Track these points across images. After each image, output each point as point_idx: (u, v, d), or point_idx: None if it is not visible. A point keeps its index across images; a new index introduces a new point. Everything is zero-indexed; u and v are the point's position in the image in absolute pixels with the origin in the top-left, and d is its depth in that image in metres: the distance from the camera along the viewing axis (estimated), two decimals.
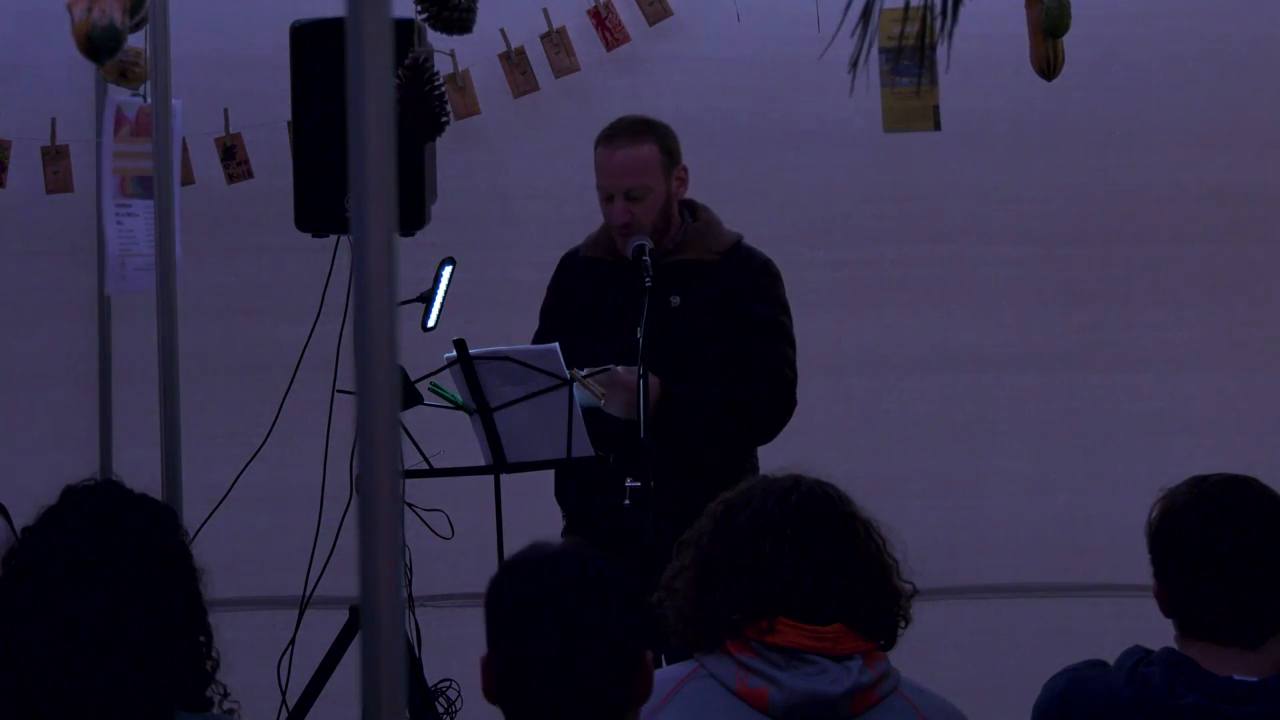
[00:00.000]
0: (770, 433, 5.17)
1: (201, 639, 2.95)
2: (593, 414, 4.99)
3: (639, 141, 5.15)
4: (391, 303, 2.08)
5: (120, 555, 2.86)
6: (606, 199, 5.16)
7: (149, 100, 5.75)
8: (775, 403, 5.14)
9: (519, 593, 2.73)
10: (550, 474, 5.27)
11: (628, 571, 2.79)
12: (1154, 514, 3.21)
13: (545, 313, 5.36)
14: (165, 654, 2.87)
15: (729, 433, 5.10)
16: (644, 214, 5.12)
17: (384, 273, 2.07)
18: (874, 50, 2.98)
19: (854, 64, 2.97)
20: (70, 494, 2.97)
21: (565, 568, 2.74)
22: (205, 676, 2.96)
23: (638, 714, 2.76)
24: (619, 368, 4.98)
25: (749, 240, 5.28)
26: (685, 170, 5.23)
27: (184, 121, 5.75)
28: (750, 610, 2.99)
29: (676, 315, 5.10)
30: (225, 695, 3.00)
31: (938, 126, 5.44)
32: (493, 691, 2.73)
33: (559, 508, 5.32)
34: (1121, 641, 3.24)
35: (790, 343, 5.19)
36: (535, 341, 5.23)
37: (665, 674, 3.07)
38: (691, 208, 5.28)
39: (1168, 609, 3.20)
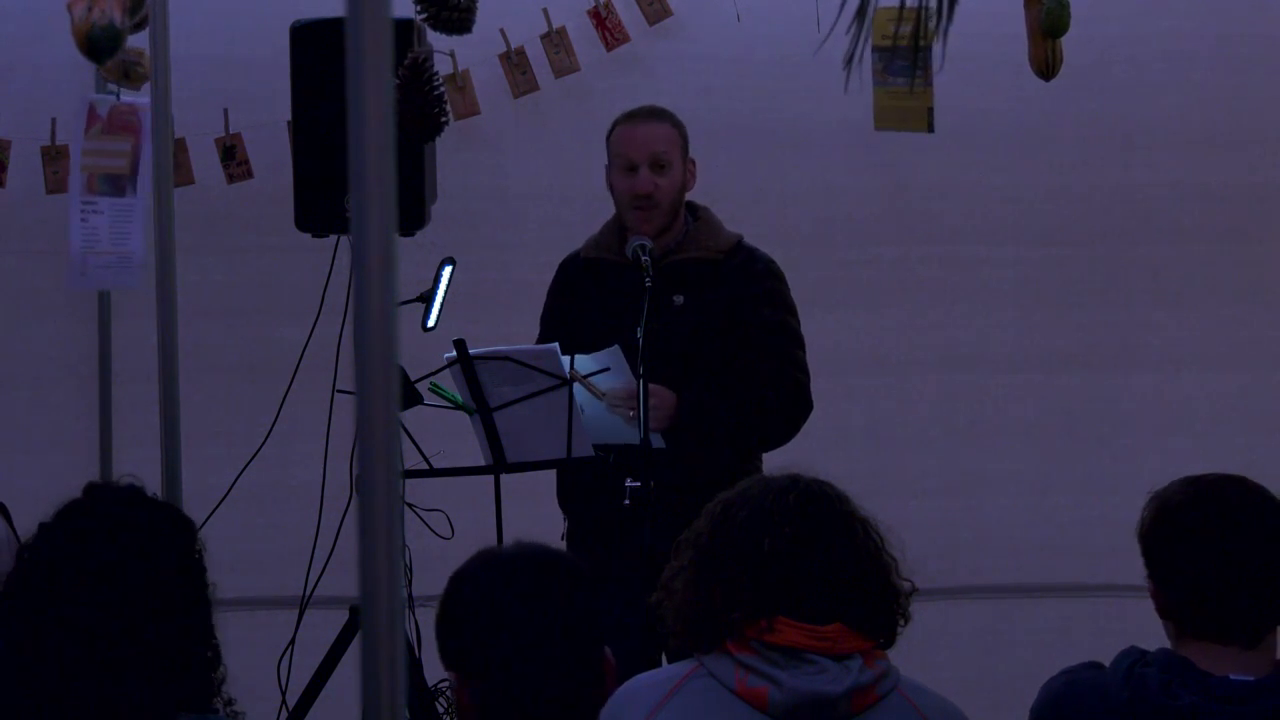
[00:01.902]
0: (787, 436, 5.17)
1: (209, 653, 2.95)
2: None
3: (662, 121, 5.20)
4: (391, 303, 2.08)
5: (138, 560, 2.86)
6: (629, 169, 5.14)
7: (121, 99, 5.76)
8: (790, 407, 5.15)
9: (473, 603, 2.72)
10: (551, 474, 5.27)
11: (581, 568, 2.79)
12: (1147, 515, 3.21)
13: (545, 319, 5.35)
14: (173, 661, 2.86)
15: (745, 440, 5.11)
16: (666, 188, 5.13)
17: (384, 273, 2.07)
18: (868, 48, 2.98)
19: (848, 62, 2.97)
20: (94, 491, 2.98)
21: (517, 572, 2.74)
22: (212, 686, 2.95)
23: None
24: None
25: (749, 240, 5.28)
26: (694, 164, 5.24)
27: (184, 122, 5.75)
28: (749, 609, 2.99)
29: (680, 315, 5.10)
30: (229, 703, 3.00)
31: (931, 129, 5.43)
32: (467, 710, 2.73)
33: (560, 511, 5.31)
34: (1121, 642, 3.24)
35: (799, 344, 5.19)
36: None
37: (665, 674, 3.07)
38: (691, 208, 5.28)
39: (1164, 610, 3.20)
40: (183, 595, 2.89)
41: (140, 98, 5.65)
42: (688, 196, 5.27)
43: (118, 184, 5.83)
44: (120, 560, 2.85)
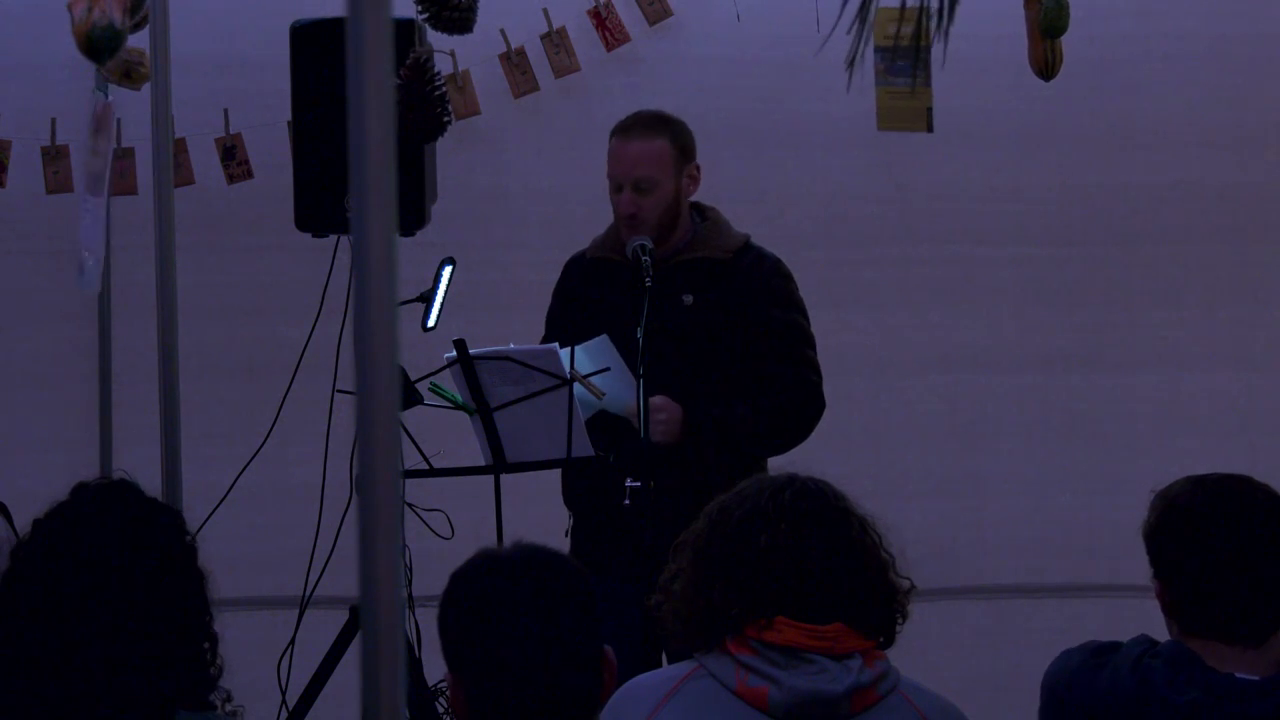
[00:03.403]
0: (801, 438, 5.17)
1: (206, 645, 2.95)
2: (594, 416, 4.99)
3: (653, 135, 5.15)
4: (391, 303, 2.08)
5: (126, 556, 2.86)
6: (615, 189, 5.15)
7: (110, 97, 5.76)
8: (805, 409, 5.15)
9: (474, 603, 2.72)
10: (553, 475, 5.27)
11: (581, 568, 2.79)
12: (1152, 514, 3.21)
13: (551, 319, 5.35)
14: (168, 656, 2.86)
15: (760, 448, 5.10)
16: (650, 208, 5.11)
17: (384, 273, 2.07)
18: (870, 48, 2.98)
19: (850, 62, 2.97)
20: (81, 490, 2.98)
21: (517, 572, 2.74)
22: (209, 681, 2.95)
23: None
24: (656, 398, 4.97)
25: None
26: (698, 169, 5.22)
27: (184, 122, 5.75)
28: (748, 607, 2.99)
29: (689, 314, 5.10)
30: (228, 699, 3.00)
31: (930, 129, 5.43)
32: (463, 710, 2.73)
33: (565, 510, 5.31)
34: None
35: (810, 344, 5.19)
36: None
37: (665, 674, 3.07)
38: (699, 209, 5.27)
39: (1169, 608, 3.20)
40: (175, 590, 2.89)
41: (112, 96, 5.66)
42: (693, 197, 5.26)
43: (95, 184, 5.83)
44: (111, 555, 2.85)
